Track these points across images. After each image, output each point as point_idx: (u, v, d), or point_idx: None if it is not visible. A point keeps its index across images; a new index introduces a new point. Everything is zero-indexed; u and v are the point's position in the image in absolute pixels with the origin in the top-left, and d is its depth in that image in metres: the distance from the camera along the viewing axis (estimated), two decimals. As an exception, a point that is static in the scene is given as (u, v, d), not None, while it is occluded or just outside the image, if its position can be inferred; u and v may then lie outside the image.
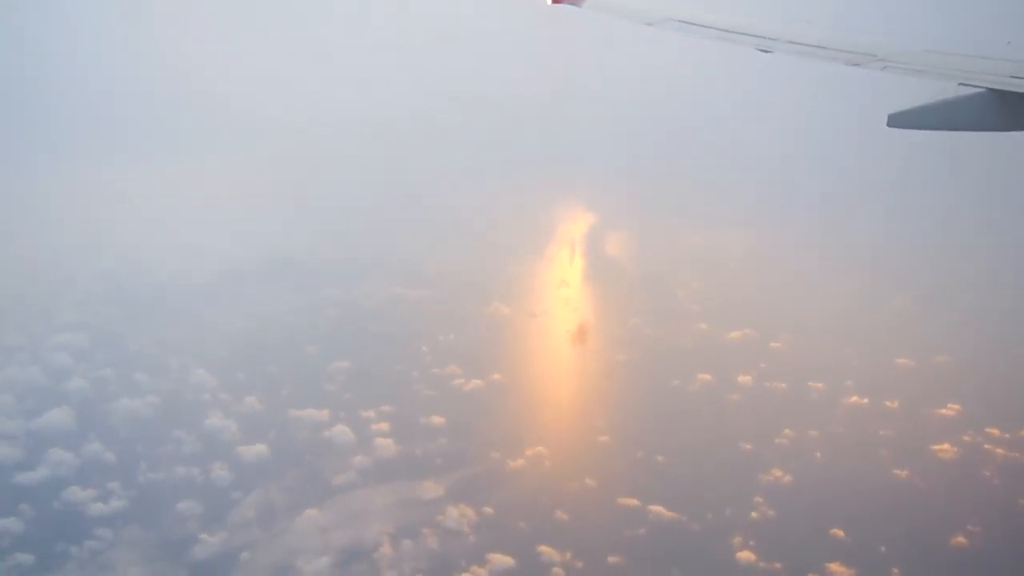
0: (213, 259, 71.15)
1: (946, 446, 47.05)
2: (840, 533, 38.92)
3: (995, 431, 48.06)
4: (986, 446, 47.00)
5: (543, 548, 37.51)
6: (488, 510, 40.43)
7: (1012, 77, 9.87)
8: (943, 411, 51.11)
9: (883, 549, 37.78)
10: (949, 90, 10.14)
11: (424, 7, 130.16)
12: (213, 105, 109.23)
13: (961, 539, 38.40)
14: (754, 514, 40.79)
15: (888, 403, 52.43)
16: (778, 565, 36.91)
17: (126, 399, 50.10)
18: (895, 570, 36.37)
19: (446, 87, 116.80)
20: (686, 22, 13.57)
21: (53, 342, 56.98)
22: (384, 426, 48.44)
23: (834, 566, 36.54)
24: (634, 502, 41.21)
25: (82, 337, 58.20)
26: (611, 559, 37.08)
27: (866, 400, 52.92)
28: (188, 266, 70.05)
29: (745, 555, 37.54)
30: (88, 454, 43.49)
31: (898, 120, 10.34)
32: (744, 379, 56.14)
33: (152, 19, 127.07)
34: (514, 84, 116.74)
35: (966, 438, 47.87)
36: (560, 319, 69.60)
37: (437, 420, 49.44)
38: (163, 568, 35.12)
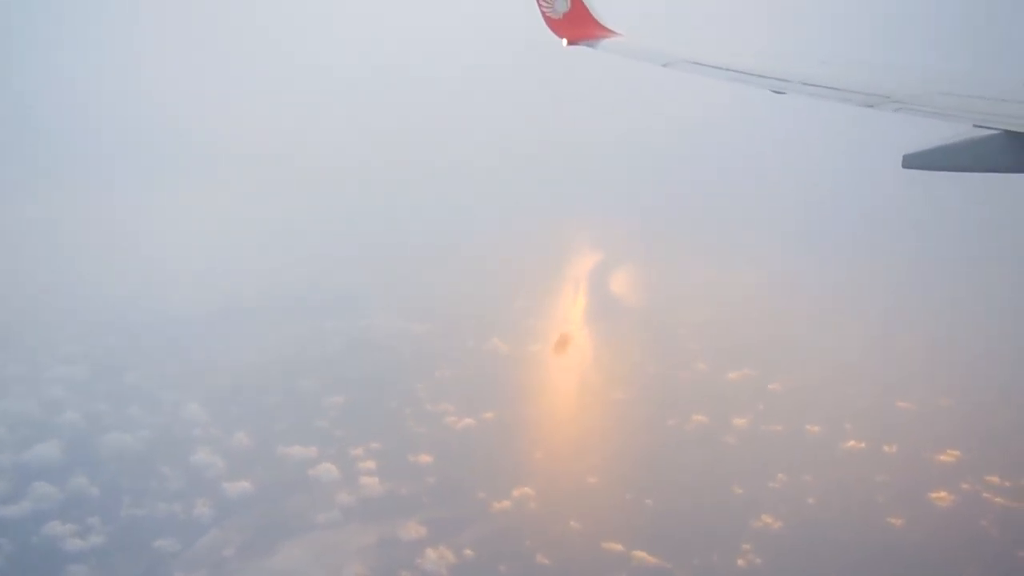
0: (216, 292, 71.74)
1: (944, 494, 45.80)
2: (830, 584, 37.85)
3: (995, 479, 46.76)
4: (985, 495, 45.69)
5: (522, 593, 36.78)
6: (468, 552, 39.85)
7: None
8: (942, 457, 49.87)
9: (873, 601, 36.65)
10: (964, 131, 10.03)
11: (437, 44, 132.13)
12: (217, 138, 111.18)
13: (954, 592, 37.19)
14: (741, 561, 39.84)
15: (886, 448, 51.30)
16: (763, 616, 35.89)
17: (117, 433, 50.22)
18: (883, 623, 35.21)
19: (453, 125, 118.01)
20: (700, 63, 13.74)
21: (51, 374, 57.47)
22: (371, 464, 48.12)
23: (820, 618, 35.46)
24: (618, 547, 40.44)
25: (80, 369, 58.69)
26: (591, 607, 36.24)
27: (864, 444, 51.82)
28: (191, 299, 70.57)
29: (729, 605, 36.56)
30: (73, 488, 43.50)
31: (913, 161, 10.21)
32: (740, 421, 55.27)
33: (150, 50, 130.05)
34: (522, 122, 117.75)
35: (965, 486, 46.59)
36: (559, 357, 69.23)
37: (425, 459, 49.04)
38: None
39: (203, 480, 45.31)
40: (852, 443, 52.04)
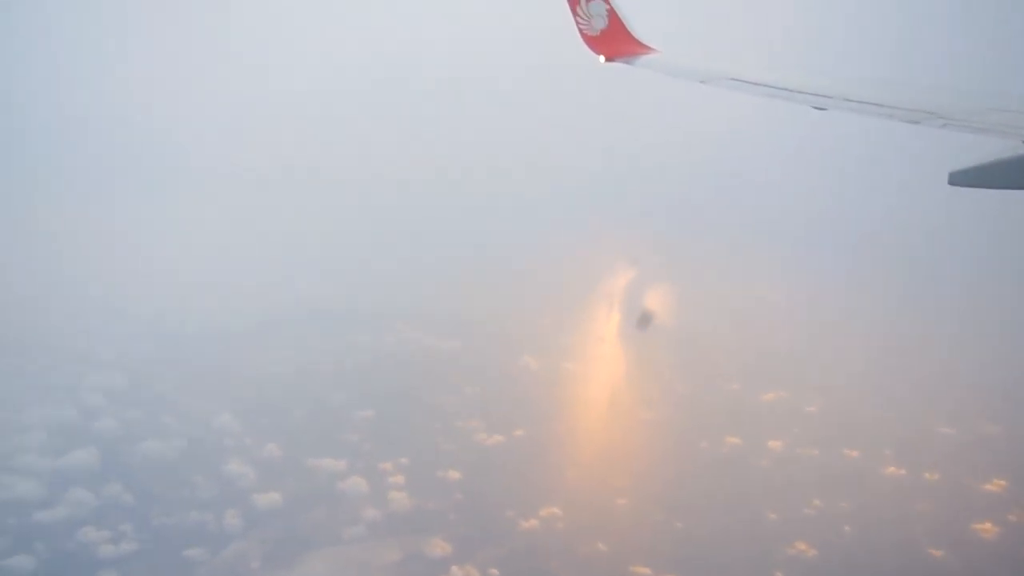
0: (250, 306, 72.65)
1: (988, 525, 44.18)
2: (864, 615, 36.66)
3: (1044, 512, 45.07)
4: (1033, 528, 44.04)
5: (547, 615, 36.26)
6: (494, 571, 39.47)
7: None
8: (988, 487, 48.21)
9: (910, 635, 35.37)
10: (1012, 148, 9.82)
11: (476, 60, 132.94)
12: (248, 153, 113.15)
13: (997, 629, 35.72)
14: (773, 590, 38.82)
15: (928, 475, 49.80)
16: (794, 647, 34.85)
17: (152, 441, 50.92)
18: (920, 659, 33.93)
19: (487, 140, 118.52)
20: (739, 80, 13.63)
21: (90, 382, 58.55)
22: (400, 479, 48.04)
23: (854, 651, 34.31)
24: (646, 571, 39.72)
25: (118, 378, 59.71)
26: (617, 631, 35.57)
27: (904, 471, 50.36)
28: (226, 312, 71.57)
29: (759, 634, 35.59)
30: (107, 495, 44.14)
31: (959, 178, 10.04)
32: (775, 444, 54.16)
33: (172, 62, 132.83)
34: (555, 137, 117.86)
35: (1011, 517, 44.92)
36: (591, 375, 68.62)
37: (454, 475, 48.84)
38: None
39: (234, 490, 45.65)
40: (892, 469, 50.63)
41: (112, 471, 46.51)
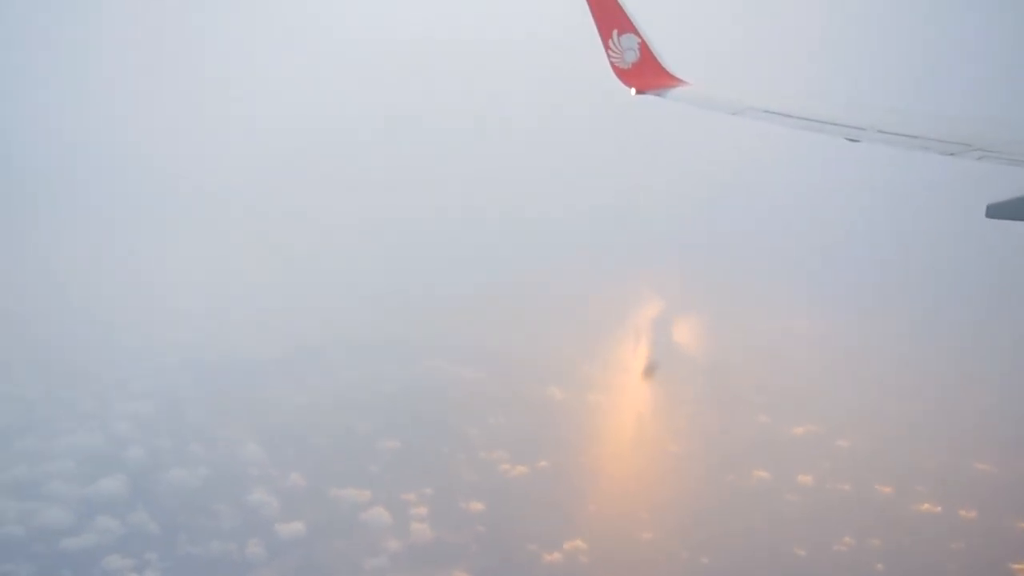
0: (275, 337, 73.35)
1: (1027, 565, 42.82)
2: (897, 657, 35.51)
3: (1085, 551, 43.52)
4: (1074, 568, 42.53)
5: (568, 652, 35.63)
6: (516, 605, 38.92)
7: None
8: (1026, 525, 46.78)
9: None
10: None
11: (504, 93, 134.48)
12: (274, 185, 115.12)
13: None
14: (801, 630, 37.78)
15: (964, 512, 48.41)
16: None
17: (178, 470, 51.33)
18: None
19: (514, 171, 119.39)
20: (771, 111, 13.64)
21: (119, 411, 59.31)
22: (423, 510, 47.86)
23: None
24: (672, 607, 38.88)
25: (148, 406, 60.41)
26: (640, 668, 34.81)
27: (939, 508, 49.05)
28: (252, 343, 72.30)
29: (786, 675, 34.61)
30: (133, 523, 44.49)
31: (998, 211, 9.94)
32: (805, 479, 53.11)
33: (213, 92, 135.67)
34: (583, 168, 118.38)
35: (1051, 558, 43.47)
36: (617, 406, 68.08)
37: (477, 506, 48.55)
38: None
39: (257, 519, 45.80)
40: (926, 506, 49.34)
41: (139, 499, 46.94)
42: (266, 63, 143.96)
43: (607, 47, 16.33)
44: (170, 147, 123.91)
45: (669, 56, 16.34)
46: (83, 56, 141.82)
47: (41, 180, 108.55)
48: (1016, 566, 42.68)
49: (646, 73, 16.18)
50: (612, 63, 16.42)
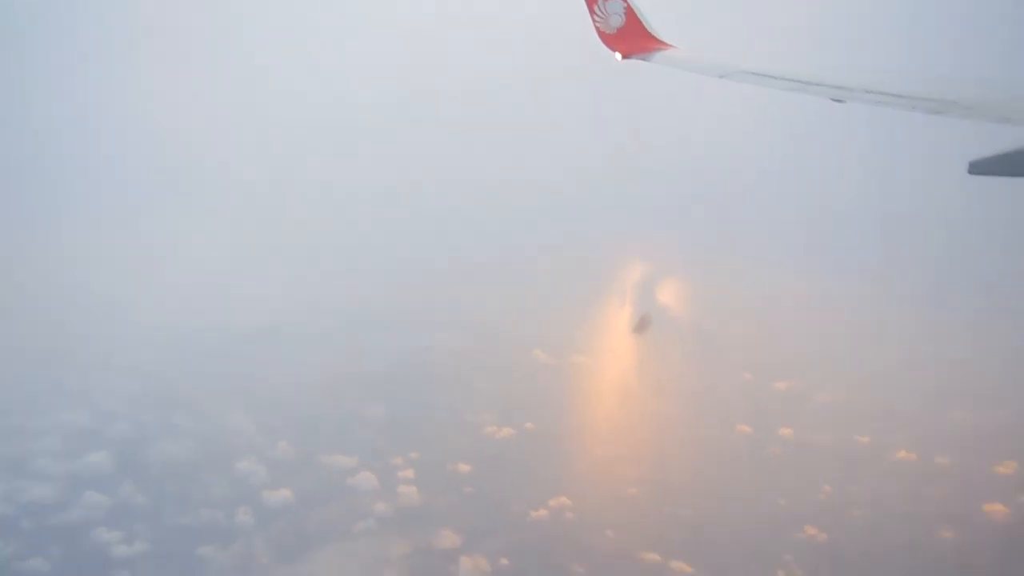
0: (260, 309, 73.29)
1: (999, 507, 43.89)
2: (873, 598, 36.56)
3: (1056, 491, 44.70)
4: (1044, 508, 43.70)
5: (555, 603, 36.43)
6: (504, 562, 39.66)
7: None
8: (999, 469, 47.88)
9: (920, 616, 35.25)
10: None
11: (482, 57, 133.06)
12: (256, 157, 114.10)
13: (1007, 608, 35.51)
14: (781, 573, 38.78)
15: (939, 459, 49.51)
16: (802, 629, 34.82)
17: (164, 443, 51.56)
18: (930, 640, 33.80)
19: (493, 138, 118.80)
20: (756, 73, 13.66)
21: (104, 386, 59.30)
22: (410, 473, 48.35)
23: (862, 633, 34.23)
24: (655, 557, 39.80)
25: (133, 381, 60.43)
26: (625, 617, 35.68)
27: (915, 455, 50.12)
28: (238, 314, 72.25)
29: (767, 617, 35.59)
30: (121, 496, 44.70)
31: (980, 167, 10.04)
32: (786, 431, 54.05)
33: (190, 64, 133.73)
34: (563, 132, 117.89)
35: (1023, 499, 44.59)
36: (602, 368, 68.76)
37: (464, 468, 49.11)
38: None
39: (245, 488, 46.16)
40: (902, 454, 50.39)
41: (125, 473, 47.11)
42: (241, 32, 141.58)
43: (592, 12, 16.25)
44: (148, 117, 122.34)
45: (655, 20, 16.30)
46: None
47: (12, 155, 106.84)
48: (988, 507, 43.75)
49: (631, 37, 16.15)
50: (597, 28, 16.32)
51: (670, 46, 16.03)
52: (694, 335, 72.70)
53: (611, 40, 16.26)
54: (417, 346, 69.81)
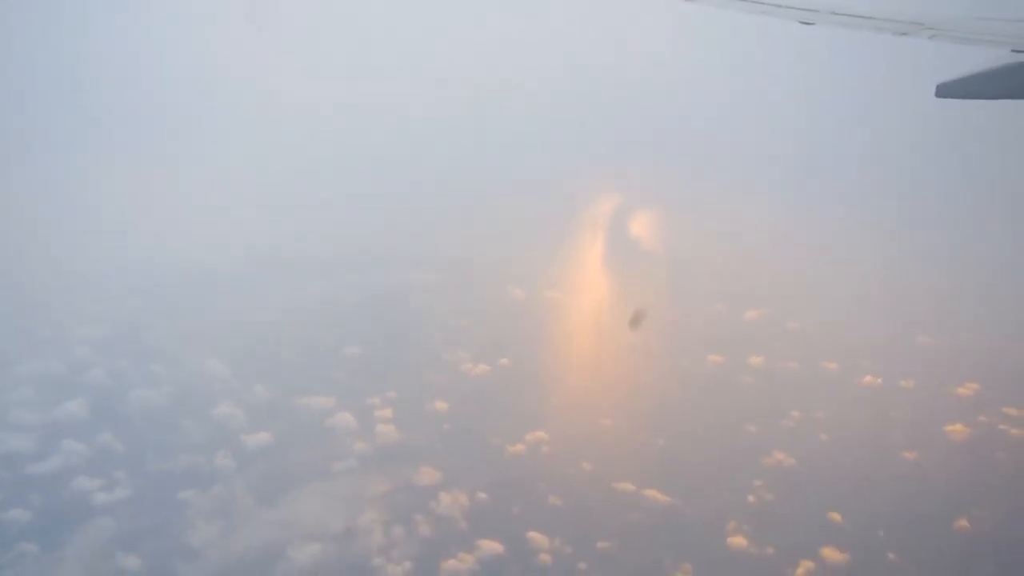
0: (230, 250, 72.52)
1: (960, 427, 45.50)
2: (838, 517, 38.00)
3: (1012, 411, 46.34)
4: (1001, 426, 45.39)
5: (533, 534, 37.45)
6: (482, 496, 40.53)
7: None
8: (960, 391, 49.48)
9: (881, 534, 36.77)
10: (1001, 57, 9.70)
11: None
12: (225, 96, 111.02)
13: (964, 523, 37.14)
14: (751, 498, 40.09)
15: (903, 383, 50.98)
16: (770, 550, 36.23)
17: (140, 390, 51.48)
18: (891, 555, 35.37)
19: (467, 73, 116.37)
20: None
21: (77, 335, 58.81)
22: (388, 412, 48.84)
23: (828, 551, 35.71)
24: (630, 487, 40.85)
25: (104, 329, 59.96)
26: (600, 544, 36.83)
27: (880, 380, 51.55)
28: (209, 258, 71.50)
29: (737, 540, 36.93)
30: (100, 444, 44.75)
31: (947, 90, 9.97)
32: (756, 360, 55.20)
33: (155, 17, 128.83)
34: (535, 70, 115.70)
35: (982, 418, 46.26)
36: (575, 302, 69.34)
37: (441, 406, 49.70)
38: (159, 555, 36.11)
39: (224, 432, 46.39)
40: (868, 379, 51.78)
41: (103, 421, 47.06)
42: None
43: None
44: (115, 52, 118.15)
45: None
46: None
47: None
48: (949, 428, 45.31)
49: None
50: None
51: None
52: (667, 266, 73.33)
53: None
54: (390, 284, 69.85)
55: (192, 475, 42.09)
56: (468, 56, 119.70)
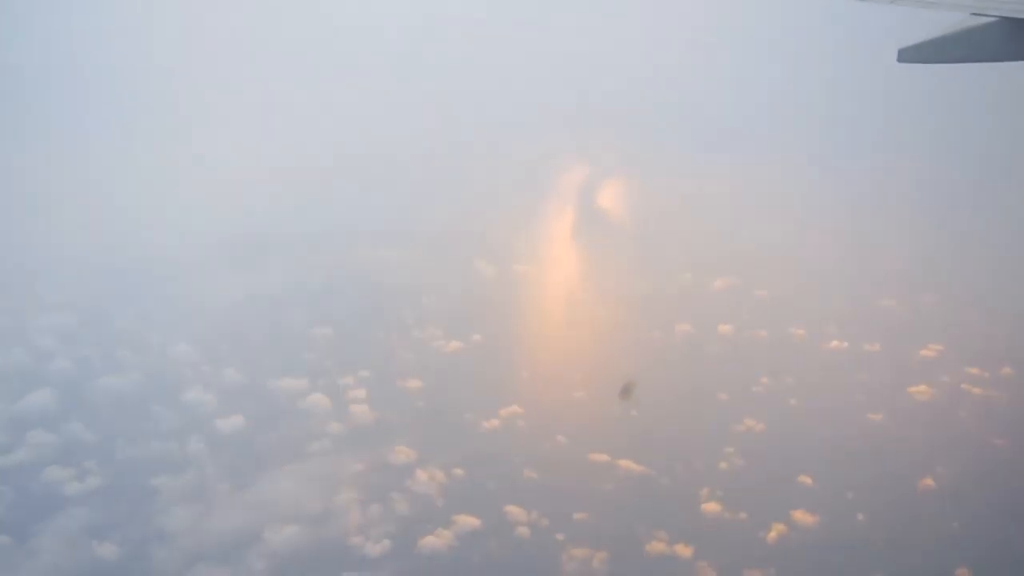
0: (196, 233, 71.24)
1: (924, 388, 46.63)
2: (808, 480, 38.91)
3: (975, 371, 47.56)
4: (964, 386, 46.59)
5: (510, 508, 37.84)
6: (458, 472, 40.79)
7: None
8: (924, 352, 50.60)
9: (850, 495, 37.74)
10: (962, 21, 9.70)
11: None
12: (188, 78, 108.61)
13: (929, 481, 38.24)
14: (724, 465, 40.82)
15: (868, 346, 52.01)
16: (743, 515, 37.00)
17: (108, 377, 50.74)
18: (860, 515, 36.33)
19: (432, 47, 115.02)
20: None
21: (39, 323, 57.59)
22: (361, 392, 48.74)
23: (799, 514, 36.59)
24: (604, 458, 41.36)
25: (68, 317, 58.73)
26: (577, 515, 37.34)
27: (846, 344, 52.53)
28: (175, 241, 70.23)
29: (711, 507, 37.66)
30: (68, 434, 44.16)
31: (909, 55, 9.91)
32: (725, 328, 55.87)
33: None
34: (502, 43, 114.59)
35: (945, 379, 47.42)
36: (546, 276, 69.40)
37: (414, 384, 49.71)
38: (134, 542, 35.88)
39: (196, 417, 46.01)
40: (834, 343, 52.74)
41: (71, 410, 46.38)
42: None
43: None
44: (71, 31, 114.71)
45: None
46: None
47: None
48: (913, 389, 46.41)
49: None
50: None
51: None
52: (636, 237, 73.60)
53: None
54: (358, 262, 69.21)
55: (165, 461, 41.75)
56: (432, 30, 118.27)
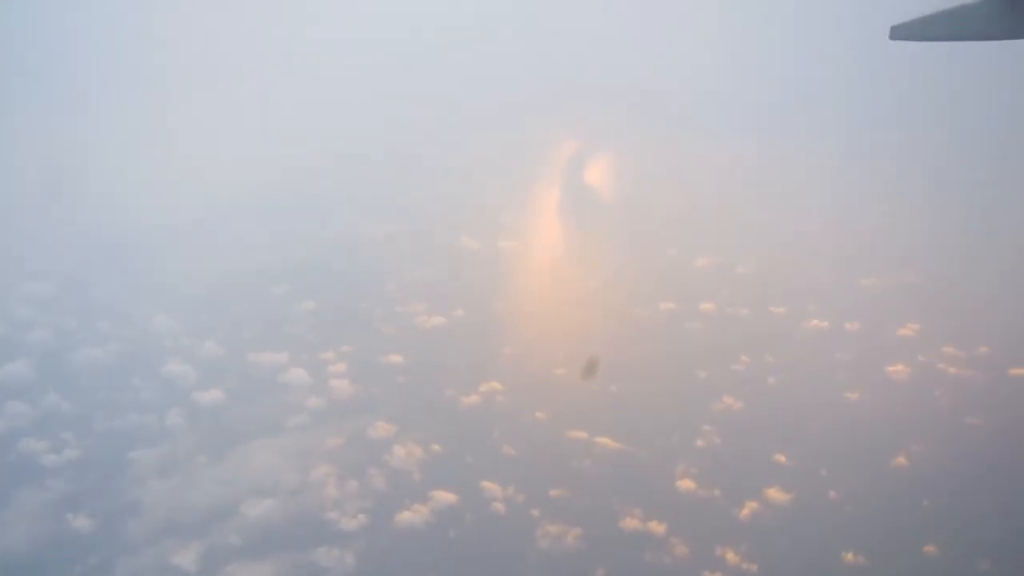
0: (179, 203, 70.56)
1: (901, 367, 46.96)
2: (783, 458, 39.23)
3: (951, 350, 47.90)
4: (940, 365, 46.95)
5: (486, 484, 37.99)
6: (436, 448, 40.89)
7: None
8: (902, 331, 50.90)
9: (824, 473, 38.08)
10: None
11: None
12: (174, 41, 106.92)
13: (902, 460, 38.63)
14: (700, 442, 41.09)
15: (848, 325, 52.26)
16: (717, 492, 37.31)
17: (87, 348, 50.52)
18: (832, 493, 36.70)
19: (415, 19, 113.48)
20: None
21: (17, 293, 57.13)
22: (342, 367, 48.72)
23: (772, 491, 36.91)
24: (582, 435, 41.51)
25: (47, 287, 58.31)
26: (553, 492, 37.55)
27: (827, 323, 52.77)
28: (153, 212, 69.49)
29: (685, 484, 37.94)
30: (46, 405, 43.98)
31: (901, 32, 9.66)
32: (707, 306, 56.04)
33: None
34: (487, 16, 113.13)
35: (921, 358, 47.77)
36: (529, 251, 69.28)
37: (395, 359, 49.68)
38: (111, 515, 35.88)
39: (175, 390, 45.90)
40: (815, 322, 52.99)
41: (48, 381, 46.15)
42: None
43: None
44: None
45: None
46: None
47: None
48: (891, 368, 46.75)
49: None
50: None
51: None
52: (621, 213, 73.44)
53: None
54: (341, 236, 68.85)
55: (143, 434, 41.71)
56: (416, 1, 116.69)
